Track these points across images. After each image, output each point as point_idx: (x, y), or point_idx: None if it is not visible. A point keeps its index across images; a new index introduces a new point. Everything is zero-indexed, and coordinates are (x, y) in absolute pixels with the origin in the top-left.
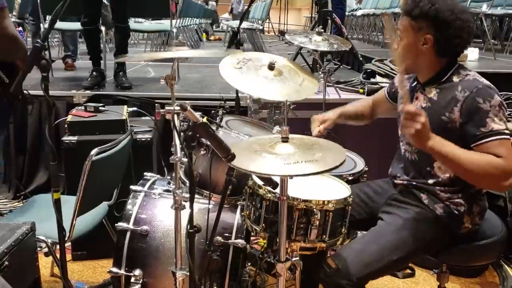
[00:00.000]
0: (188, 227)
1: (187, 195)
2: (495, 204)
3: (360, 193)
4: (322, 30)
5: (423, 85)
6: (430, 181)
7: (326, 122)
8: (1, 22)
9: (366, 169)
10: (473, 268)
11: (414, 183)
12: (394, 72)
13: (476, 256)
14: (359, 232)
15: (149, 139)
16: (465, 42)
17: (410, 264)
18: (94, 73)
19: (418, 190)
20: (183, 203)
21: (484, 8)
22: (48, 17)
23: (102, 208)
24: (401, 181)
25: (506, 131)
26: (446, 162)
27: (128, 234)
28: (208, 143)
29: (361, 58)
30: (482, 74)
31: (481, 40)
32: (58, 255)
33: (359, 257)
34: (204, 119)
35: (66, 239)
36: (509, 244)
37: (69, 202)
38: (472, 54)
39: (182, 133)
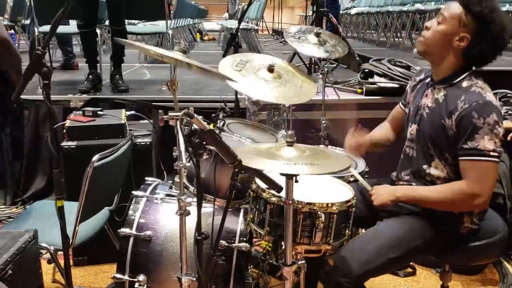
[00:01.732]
0: (196, 235)
1: (190, 200)
2: (494, 202)
3: (362, 189)
4: (320, 32)
5: (435, 84)
6: (428, 178)
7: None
8: None
9: (367, 169)
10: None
11: (414, 184)
12: (392, 71)
13: (478, 256)
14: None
15: (148, 143)
16: (492, 59)
17: (411, 263)
18: (90, 76)
19: None
20: (188, 208)
21: None
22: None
23: (103, 213)
24: (401, 183)
25: (492, 153)
26: (418, 202)
27: (131, 239)
28: (212, 148)
29: (358, 58)
30: (480, 71)
31: None
32: (60, 261)
33: (358, 255)
34: (210, 126)
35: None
36: (510, 242)
37: (70, 208)
38: None
39: (186, 139)
